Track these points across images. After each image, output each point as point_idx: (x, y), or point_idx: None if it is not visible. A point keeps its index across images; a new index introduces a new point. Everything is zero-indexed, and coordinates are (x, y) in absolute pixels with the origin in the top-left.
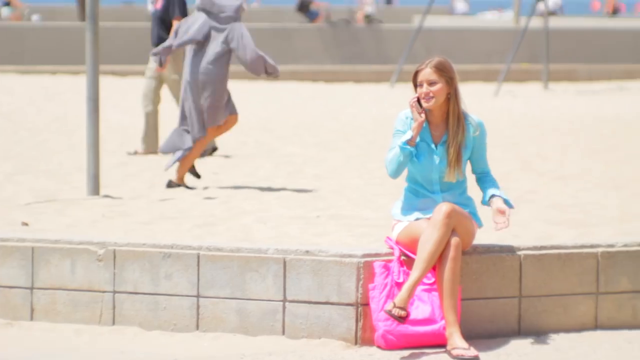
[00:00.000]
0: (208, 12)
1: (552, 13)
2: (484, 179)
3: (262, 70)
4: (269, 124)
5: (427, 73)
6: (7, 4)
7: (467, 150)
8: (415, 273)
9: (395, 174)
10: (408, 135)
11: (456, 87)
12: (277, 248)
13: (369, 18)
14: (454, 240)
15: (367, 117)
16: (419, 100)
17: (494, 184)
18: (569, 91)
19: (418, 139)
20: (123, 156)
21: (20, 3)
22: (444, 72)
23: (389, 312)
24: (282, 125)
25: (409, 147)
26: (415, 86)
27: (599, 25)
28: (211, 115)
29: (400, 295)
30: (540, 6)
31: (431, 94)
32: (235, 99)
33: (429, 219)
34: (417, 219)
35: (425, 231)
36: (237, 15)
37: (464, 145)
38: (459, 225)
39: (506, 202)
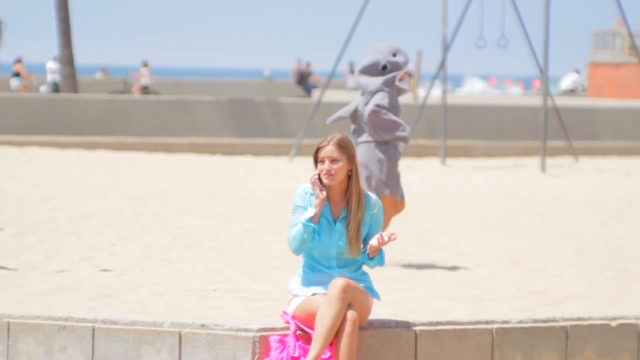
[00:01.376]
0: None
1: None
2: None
3: (382, 129)
4: (167, 196)
5: (329, 150)
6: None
7: (365, 228)
8: (313, 350)
9: (298, 250)
10: (311, 212)
11: (357, 165)
12: (173, 321)
13: (146, 89)
14: (351, 315)
15: (266, 191)
16: (319, 177)
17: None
18: (466, 167)
19: (320, 218)
20: (19, 226)
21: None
22: (346, 149)
23: None
24: (180, 197)
25: (312, 224)
26: (316, 162)
27: (496, 102)
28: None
29: None
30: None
31: (333, 171)
32: (132, 170)
33: (325, 294)
34: (313, 294)
35: (322, 306)
36: (378, 88)
37: (363, 222)
38: (355, 300)
39: (380, 256)
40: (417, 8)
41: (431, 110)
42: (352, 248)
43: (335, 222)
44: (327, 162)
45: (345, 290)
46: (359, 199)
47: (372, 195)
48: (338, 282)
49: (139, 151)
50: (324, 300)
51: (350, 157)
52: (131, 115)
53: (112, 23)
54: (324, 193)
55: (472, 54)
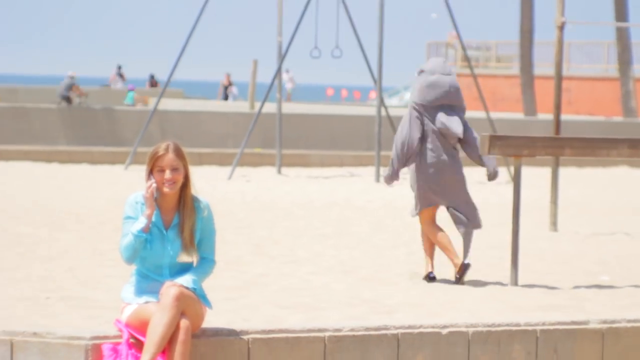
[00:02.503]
0: None
1: None
2: (198, 264)
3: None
4: (1, 203)
5: (170, 159)
6: None
7: (198, 232)
8: (145, 357)
9: (131, 260)
10: (142, 222)
11: (189, 171)
12: (4, 330)
13: None
14: (184, 323)
15: (101, 199)
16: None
17: (196, 270)
18: (301, 176)
19: (151, 227)
20: None
21: None
22: (183, 157)
23: None
24: (13, 205)
25: (144, 234)
26: (152, 171)
27: (332, 112)
28: None
29: None
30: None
31: (174, 180)
32: None
33: (158, 302)
34: (146, 302)
35: (155, 314)
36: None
37: (196, 226)
38: (188, 308)
39: (194, 282)
40: (253, 18)
41: (267, 119)
42: (187, 253)
43: (166, 230)
44: (167, 171)
45: (179, 298)
46: (192, 204)
47: (202, 200)
48: (171, 290)
49: None
50: (157, 308)
51: (186, 164)
52: None
53: None
54: (155, 204)
55: (308, 64)
